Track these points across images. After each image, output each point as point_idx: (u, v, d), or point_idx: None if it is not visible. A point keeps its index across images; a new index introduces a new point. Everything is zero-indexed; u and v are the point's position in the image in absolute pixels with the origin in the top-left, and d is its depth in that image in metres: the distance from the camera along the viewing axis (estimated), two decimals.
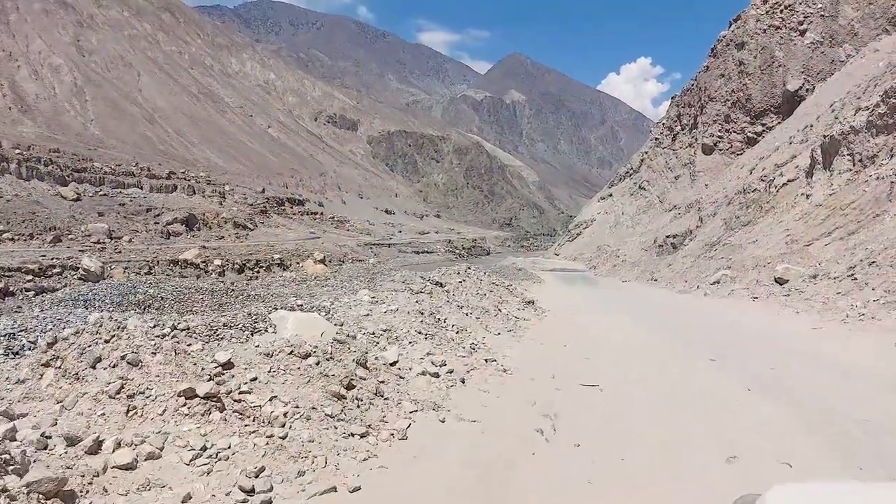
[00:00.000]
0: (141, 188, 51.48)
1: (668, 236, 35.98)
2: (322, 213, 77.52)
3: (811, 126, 28.74)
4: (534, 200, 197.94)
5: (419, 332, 7.84)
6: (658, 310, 15.75)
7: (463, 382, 6.37)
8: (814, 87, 39.03)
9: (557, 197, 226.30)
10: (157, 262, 27.80)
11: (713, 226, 29.25)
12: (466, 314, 10.34)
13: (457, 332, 8.75)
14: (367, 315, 8.46)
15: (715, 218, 30.34)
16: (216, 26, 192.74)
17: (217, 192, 60.13)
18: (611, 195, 65.11)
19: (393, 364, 6.29)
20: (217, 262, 31.06)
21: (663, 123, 59.44)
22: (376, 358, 6.20)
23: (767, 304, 14.27)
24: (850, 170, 19.34)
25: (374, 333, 7.35)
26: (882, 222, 14.92)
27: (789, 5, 43.89)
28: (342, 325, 7.43)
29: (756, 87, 44.14)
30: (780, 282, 15.42)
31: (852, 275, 12.87)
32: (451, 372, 6.55)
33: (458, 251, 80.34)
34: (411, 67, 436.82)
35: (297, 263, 38.52)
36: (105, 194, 46.15)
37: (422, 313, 9.02)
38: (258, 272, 33.31)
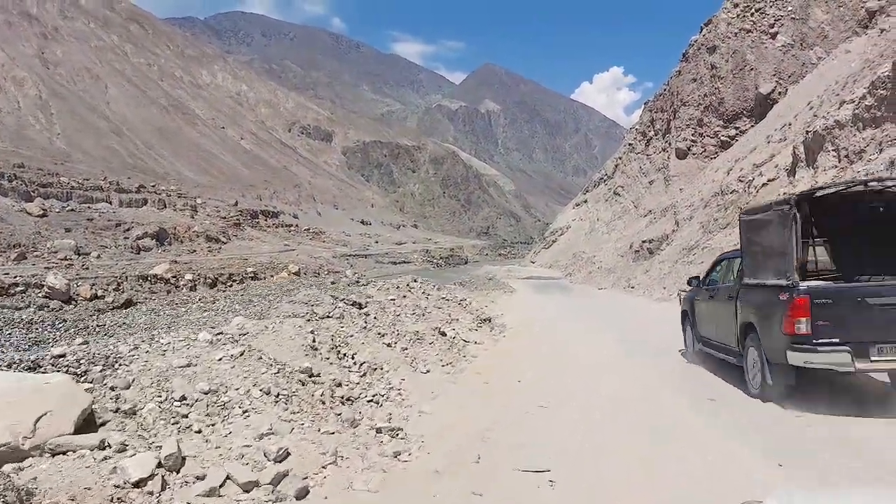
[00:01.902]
0: (110, 203, 50.39)
1: (643, 241, 36.25)
2: (297, 225, 76.83)
3: (789, 125, 28.30)
4: (510, 209, 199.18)
5: (266, 393, 5.28)
6: (636, 323, 14.47)
7: (298, 501, 3.79)
8: (786, 90, 39.37)
9: (533, 205, 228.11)
10: (126, 277, 27.14)
11: (690, 230, 28.85)
12: (388, 345, 8.39)
13: (360, 376, 6.79)
14: (187, 366, 5.53)
15: (691, 221, 30.10)
16: (186, 38, 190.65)
17: (188, 206, 59.17)
18: (585, 202, 65.70)
19: (140, 483, 3.58)
20: (188, 276, 30.47)
21: (636, 129, 59.96)
22: (115, 470, 3.65)
23: None
24: (836, 166, 18.36)
25: (182, 400, 4.84)
26: None
27: (760, 8, 44.28)
28: (126, 389, 4.97)
29: (728, 90, 44.47)
30: None
31: None
32: (287, 475, 3.97)
33: (435, 261, 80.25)
34: (386, 78, 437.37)
35: (271, 276, 38.03)
36: (72, 209, 45.03)
37: (314, 349, 6.96)
38: (231, 286, 32.76)
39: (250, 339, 6.90)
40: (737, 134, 42.72)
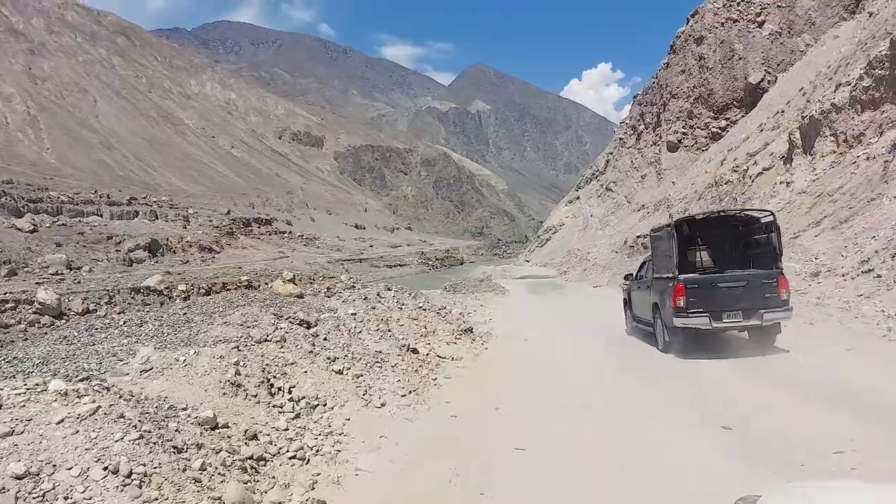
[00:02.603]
0: (101, 216, 50.08)
1: (638, 236, 36.00)
2: (291, 232, 76.59)
3: (782, 112, 27.65)
4: (504, 208, 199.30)
5: (113, 472, 3.59)
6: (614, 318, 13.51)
7: None
8: (776, 79, 39.14)
9: (527, 204, 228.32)
10: (118, 290, 26.92)
11: None
12: (339, 372, 7.08)
13: (292, 419, 5.57)
14: (8, 435, 3.74)
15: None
16: (174, 49, 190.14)
17: (181, 216, 58.90)
18: (578, 198, 65.65)
19: None
20: (181, 287, 30.26)
21: (626, 123, 59.73)
22: None
23: None
24: (835, 151, 17.58)
25: None
26: (880, 206, 13.09)
27: None
28: None
29: (717, 81, 44.25)
30: None
31: (870, 270, 10.46)
32: None
33: (431, 263, 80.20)
34: (375, 82, 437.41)
35: (266, 284, 37.84)
36: (63, 224, 44.70)
37: (236, 385, 5.66)
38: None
39: (149, 380, 5.53)
40: (728, 125, 42.52)
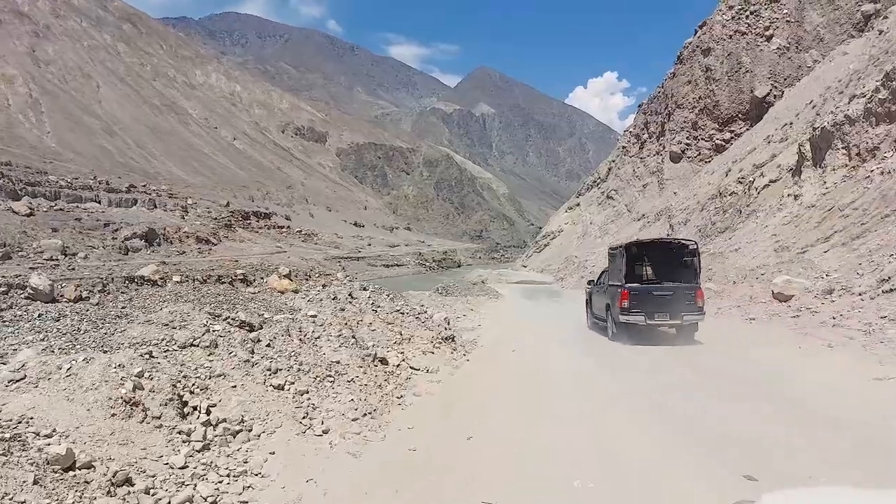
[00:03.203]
0: (99, 202, 49.77)
1: None
2: (289, 227, 76.32)
3: (790, 124, 27.18)
4: (504, 212, 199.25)
5: None
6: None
7: None
8: (782, 93, 39.08)
9: (527, 209, 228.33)
10: (112, 279, 26.68)
11: (686, 233, 27.66)
12: (279, 387, 5.94)
13: (198, 450, 4.54)
14: None
15: (687, 225, 29.46)
16: (180, 38, 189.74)
17: (179, 206, 58.62)
18: (578, 205, 65.60)
19: None
20: (176, 278, 30.01)
21: (630, 132, 59.73)
22: None
23: (773, 330, 11.07)
24: (846, 165, 17.09)
25: None
26: None
27: (755, 11, 43.99)
28: None
29: (723, 93, 44.18)
30: (780, 298, 12.40)
31: (892, 290, 9.93)
32: None
33: (428, 264, 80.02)
34: (380, 80, 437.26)
35: (262, 279, 37.62)
36: (60, 209, 44.40)
37: (132, 404, 4.57)
38: (220, 288, 32.36)
39: (17, 393, 4.39)
40: (732, 137, 42.42)
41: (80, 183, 51.86)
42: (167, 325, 6.94)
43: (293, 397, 5.95)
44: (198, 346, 6.34)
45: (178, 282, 30.36)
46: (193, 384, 5.37)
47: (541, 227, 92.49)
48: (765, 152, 26.82)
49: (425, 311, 12.87)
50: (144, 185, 61.89)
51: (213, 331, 6.94)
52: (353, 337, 8.50)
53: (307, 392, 6.18)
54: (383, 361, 8.23)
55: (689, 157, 45.82)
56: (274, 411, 5.50)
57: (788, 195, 19.51)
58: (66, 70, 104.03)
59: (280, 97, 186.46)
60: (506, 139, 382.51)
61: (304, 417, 5.66)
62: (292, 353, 7.04)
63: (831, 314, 10.38)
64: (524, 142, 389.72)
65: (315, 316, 9.21)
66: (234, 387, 5.67)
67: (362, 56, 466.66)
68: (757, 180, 22.93)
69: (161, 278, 30.61)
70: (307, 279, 43.42)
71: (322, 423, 5.68)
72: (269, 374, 6.21)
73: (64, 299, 23.49)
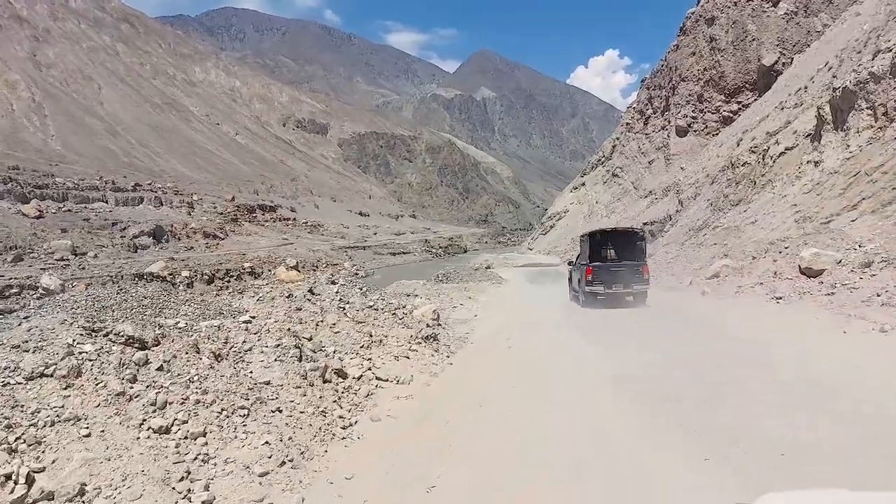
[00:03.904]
0: (106, 202, 50.31)
1: (645, 223, 35.54)
2: (295, 219, 76.72)
3: (805, 88, 25.72)
4: (509, 196, 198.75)
5: None
6: (640, 325, 11.54)
7: None
8: (791, 60, 37.75)
9: (532, 191, 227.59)
10: (122, 276, 27.17)
11: (696, 208, 26.95)
12: (160, 430, 4.52)
13: None
14: None
15: (697, 199, 28.60)
16: (178, 35, 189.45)
17: (185, 203, 59.10)
18: (583, 184, 65.11)
19: None
20: (185, 273, 30.50)
21: (634, 108, 58.73)
22: None
23: (806, 309, 9.67)
24: (872, 126, 15.94)
25: None
26: None
27: None
28: None
29: (729, 63, 42.83)
30: (809, 273, 11.28)
31: None
32: None
33: (434, 251, 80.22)
34: (380, 69, 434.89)
35: (269, 271, 38.04)
36: (69, 210, 44.97)
37: None
38: (229, 282, 32.81)
39: None
40: (739, 108, 41.33)
41: (87, 184, 52.38)
42: (17, 347, 5.20)
43: (177, 445, 4.29)
44: (51, 375, 4.70)
45: (187, 277, 30.83)
46: (19, 437, 3.75)
47: (546, 209, 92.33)
48: (778, 119, 25.44)
49: (404, 306, 11.02)
50: (150, 184, 62.36)
51: (81, 353, 5.18)
52: (298, 346, 6.77)
53: (203, 434, 4.55)
54: (340, 374, 6.80)
55: (695, 131, 44.90)
56: (136, 473, 3.77)
57: (807, 162, 18.32)
58: (68, 73, 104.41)
59: (280, 90, 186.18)
60: (508, 122, 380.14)
61: (180, 480, 3.87)
62: (195, 378, 5.43)
63: (875, 290, 9.04)
64: (527, 124, 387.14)
65: (250, 321, 7.33)
66: (88, 435, 4.04)
67: (360, 45, 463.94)
68: (772, 148, 21.37)
69: (170, 274, 31.12)
70: (315, 270, 43.90)
71: (207, 488, 3.90)
72: (152, 412, 4.62)
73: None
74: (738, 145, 28.59)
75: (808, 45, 36.98)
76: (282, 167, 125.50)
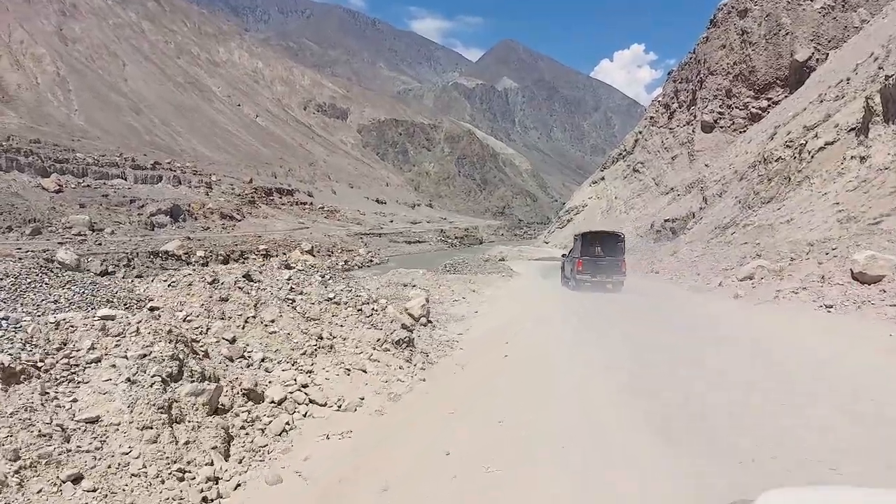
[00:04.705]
0: (125, 179, 50.62)
1: (666, 220, 34.88)
2: (311, 203, 76.76)
3: (847, 80, 24.34)
4: (526, 188, 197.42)
5: None
6: (666, 333, 9.26)
7: None
8: (826, 56, 36.52)
9: (550, 185, 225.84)
10: (137, 254, 27.18)
11: (723, 205, 26.05)
12: None
13: None
14: None
15: (724, 196, 27.69)
16: (203, 15, 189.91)
17: (203, 183, 59.30)
18: (603, 179, 63.99)
19: None
20: (200, 253, 30.48)
21: (658, 101, 57.19)
22: None
23: (869, 323, 8.33)
24: None
25: None
26: None
27: None
28: None
29: (760, 57, 41.53)
30: (864, 279, 10.02)
31: None
32: None
33: (450, 241, 79.90)
34: (402, 55, 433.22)
35: (284, 254, 37.98)
36: (88, 185, 45.31)
37: None
38: (244, 263, 32.78)
39: None
40: (769, 105, 40.10)
41: (107, 160, 52.72)
42: None
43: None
44: None
45: (202, 256, 30.84)
46: None
47: (564, 203, 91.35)
48: (817, 112, 24.09)
49: (375, 300, 8.86)
50: (169, 162, 62.65)
51: None
52: (179, 358, 4.55)
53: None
54: (252, 396, 4.86)
55: (721, 127, 43.64)
56: None
57: (852, 157, 17.09)
58: (93, 48, 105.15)
59: (302, 73, 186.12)
60: (529, 114, 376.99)
61: None
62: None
63: None
64: (548, 116, 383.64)
65: (111, 318, 4.83)
66: None
67: (384, 31, 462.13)
68: (809, 143, 19.94)
69: (185, 253, 31.14)
70: (330, 255, 43.79)
71: None
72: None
73: (91, 274, 24.02)
74: (771, 139, 27.35)
75: (845, 41, 35.71)
76: (301, 151, 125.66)
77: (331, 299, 8.08)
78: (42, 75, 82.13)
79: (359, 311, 8.06)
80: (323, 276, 9.07)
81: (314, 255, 41.03)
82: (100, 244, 30.62)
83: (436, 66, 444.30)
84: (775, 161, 22.79)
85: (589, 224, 55.61)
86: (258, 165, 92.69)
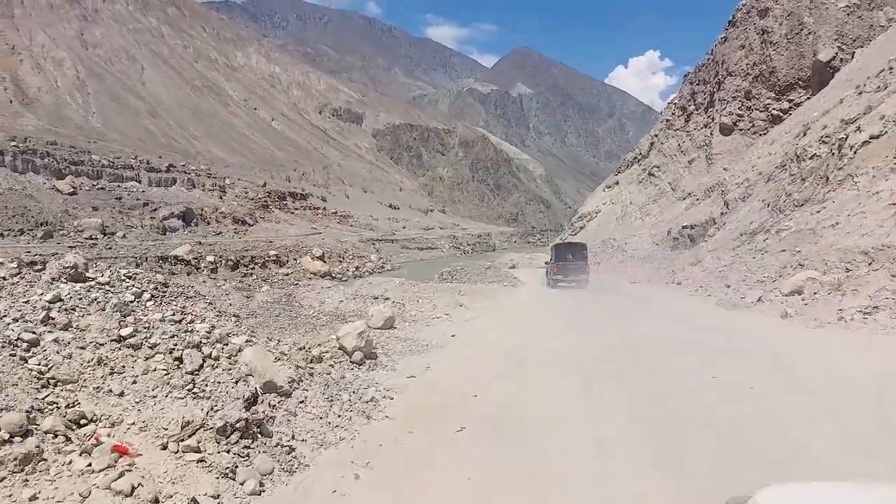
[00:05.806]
0: (139, 182, 50.87)
1: (684, 227, 33.86)
2: (325, 208, 76.76)
3: (890, 69, 22.52)
4: (540, 195, 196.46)
5: None
6: (700, 370, 7.24)
7: None
8: (851, 56, 35.20)
9: (564, 191, 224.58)
10: (146, 258, 27.05)
11: (748, 209, 24.35)
12: None
13: None
14: None
15: (748, 200, 26.06)
16: (222, 20, 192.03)
17: (217, 186, 59.46)
18: (617, 183, 62.52)
19: None
20: (209, 258, 30.31)
21: (675, 103, 55.51)
22: None
23: None
24: None
25: None
26: None
27: None
28: None
29: (781, 58, 40.21)
30: None
31: None
32: None
33: (462, 248, 79.43)
34: (418, 61, 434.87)
35: (295, 260, 37.72)
36: (102, 188, 45.53)
37: None
38: (253, 269, 32.53)
39: None
40: (790, 107, 38.76)
41: (122, 162, 53.02)
42: None
43: None
44: None
45: (211, 262, 30.65)
46: None
47: (577, 210, 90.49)
48: (856, 104, 21.95)
49: (215, 343, 5.61)
50: (184, 165, 62.92)
51: None
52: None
53: None
54: None
55: (741, 130, 42.39)
56: None
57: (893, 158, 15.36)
58: (113, 52, 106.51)
59: (318, 78, 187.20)
60: (543, 119, 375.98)
61: None
62: None
63: None
64: (562, 122, 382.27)
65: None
66: None
67: (401, 38, 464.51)
68: (851, 137, 17.85)
69: (195, 258, 30.97)
70: (341, 261, 43.44)
71: None
72: None
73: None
74: (804, 135, 24.79)
75: (870, 40, 34.60)
76: (315, 154, 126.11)
77: (124, 339, 5.05)
78: (62, 78, 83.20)
79: (176, 360, 5.02)
80: (136, 295, 5.64)
81: (325, 262, 40.75)
82: (110, 248, 30.59)
83: (451, 71, 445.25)
84: (809, 159, 20.67)
85: (604, 231, 54.78)
86: (272, 169, 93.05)
